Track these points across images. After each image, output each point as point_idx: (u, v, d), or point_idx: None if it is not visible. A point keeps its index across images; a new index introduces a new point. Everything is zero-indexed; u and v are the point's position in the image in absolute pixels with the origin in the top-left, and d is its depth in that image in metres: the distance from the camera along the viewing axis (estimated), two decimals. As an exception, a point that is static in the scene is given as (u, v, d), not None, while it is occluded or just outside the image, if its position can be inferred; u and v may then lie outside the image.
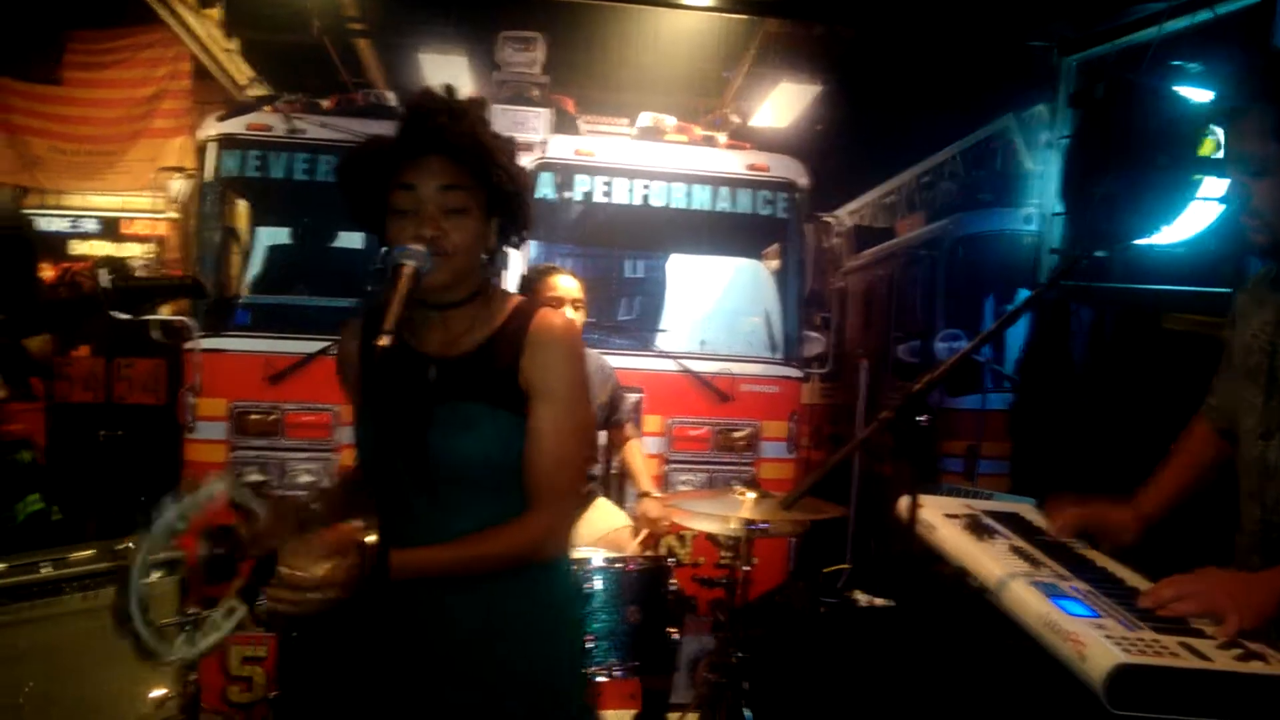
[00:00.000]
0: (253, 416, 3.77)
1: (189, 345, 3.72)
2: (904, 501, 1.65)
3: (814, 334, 4.31)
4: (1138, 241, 3.23)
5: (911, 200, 6.83)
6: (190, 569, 3.42)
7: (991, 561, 1.62)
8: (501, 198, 1.58)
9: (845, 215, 7.61)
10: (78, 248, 6.51)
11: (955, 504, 1.94)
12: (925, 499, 1.78)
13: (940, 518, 1.83)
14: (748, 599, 3.01)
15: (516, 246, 1.69)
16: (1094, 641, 1.29)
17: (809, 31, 5.80)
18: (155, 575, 3.31)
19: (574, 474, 1.60)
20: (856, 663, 2.99)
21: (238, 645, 3.66)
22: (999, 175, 5.66)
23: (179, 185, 3.97)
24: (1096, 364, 4.33)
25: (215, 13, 5.04)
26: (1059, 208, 3.67)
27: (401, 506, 1.51)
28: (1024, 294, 4.97)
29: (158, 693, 3.20)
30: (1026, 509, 1.99)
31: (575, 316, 3.19)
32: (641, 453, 3.65)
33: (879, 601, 3.23)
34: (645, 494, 3.45)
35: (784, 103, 6.83)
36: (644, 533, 3.39)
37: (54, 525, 4.36)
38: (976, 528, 1.79)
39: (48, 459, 4.70)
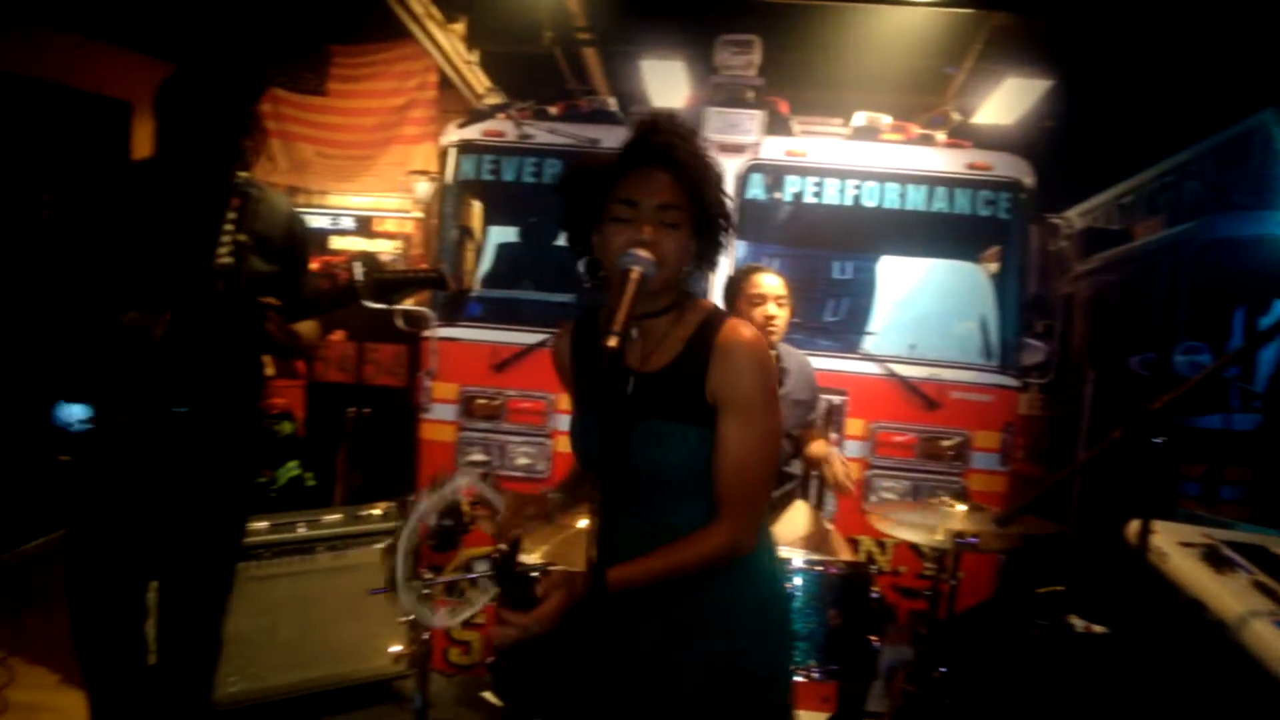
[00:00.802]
0: (479, 401, 4.06)
1: (427, 334, 4.07)
2: (1134, 526, 1.58)
3: (1035, 342, 4.10)
4: None
5: (1151, 201, 6.32)
6: (421, 538, 3.75)
7: (1230, 596, 1.53)
8: (706, 220, 1.67)
9: (1075, 217, 7.14)
10: (336, 243, 7.27)
11: (1191, 532, 1.84)
12: (1158, 525, 1.70)
13: (1174, 545, 1.75)
14: (952, 613, 2.94)
15: (709, 270, 1.76)
16: (1348, 691, 1.21)
17: (1039, 25, 5.49)
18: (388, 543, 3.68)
19: (758, 483, 1.67)
20: (1068, 690, 2.86)
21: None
22: (1254, 175, 5.12)
23: (423, 187, 4.31)
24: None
25: (459, 27, 5.44)
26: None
27: (618, 507, 1.60)
28: (1282, 306, 4.51)
29: (394, 648, 3.54)
30: (1273, 541, 1.85)
31: (779, 314, 3.23)
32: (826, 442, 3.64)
33: (1096, 628, 3.06)
34: (816, 439, 3.45)
35: (1010, 99, 6.50)
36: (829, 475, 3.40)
37: (307, 490, 4.90)
38: (1215, 559, 1.69)
39: (305, 431, 5.27)
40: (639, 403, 1.63)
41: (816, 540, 3.32)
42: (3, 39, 4.78)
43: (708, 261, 1.73)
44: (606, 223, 1.63)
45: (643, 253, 1.56)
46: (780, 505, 3.48)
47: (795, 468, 3.64)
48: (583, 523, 2.64)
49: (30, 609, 2.57)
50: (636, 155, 1.64)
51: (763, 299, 3.23)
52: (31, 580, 2.54)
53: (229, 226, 2.42)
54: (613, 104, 4.31)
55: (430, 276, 2.54)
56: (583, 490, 1.88)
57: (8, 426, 4.26)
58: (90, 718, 2.53)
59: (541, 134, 4.13)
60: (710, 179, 1.66)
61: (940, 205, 4.10)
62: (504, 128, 4.17)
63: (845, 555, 3.39)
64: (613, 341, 1.39)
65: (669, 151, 1.62)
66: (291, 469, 4.84)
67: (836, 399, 3.92)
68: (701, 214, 1.65)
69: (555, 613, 1.52)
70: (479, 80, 5.75)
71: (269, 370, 4.52)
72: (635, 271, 1.54)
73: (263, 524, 3.51)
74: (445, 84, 6.09)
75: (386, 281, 2.44)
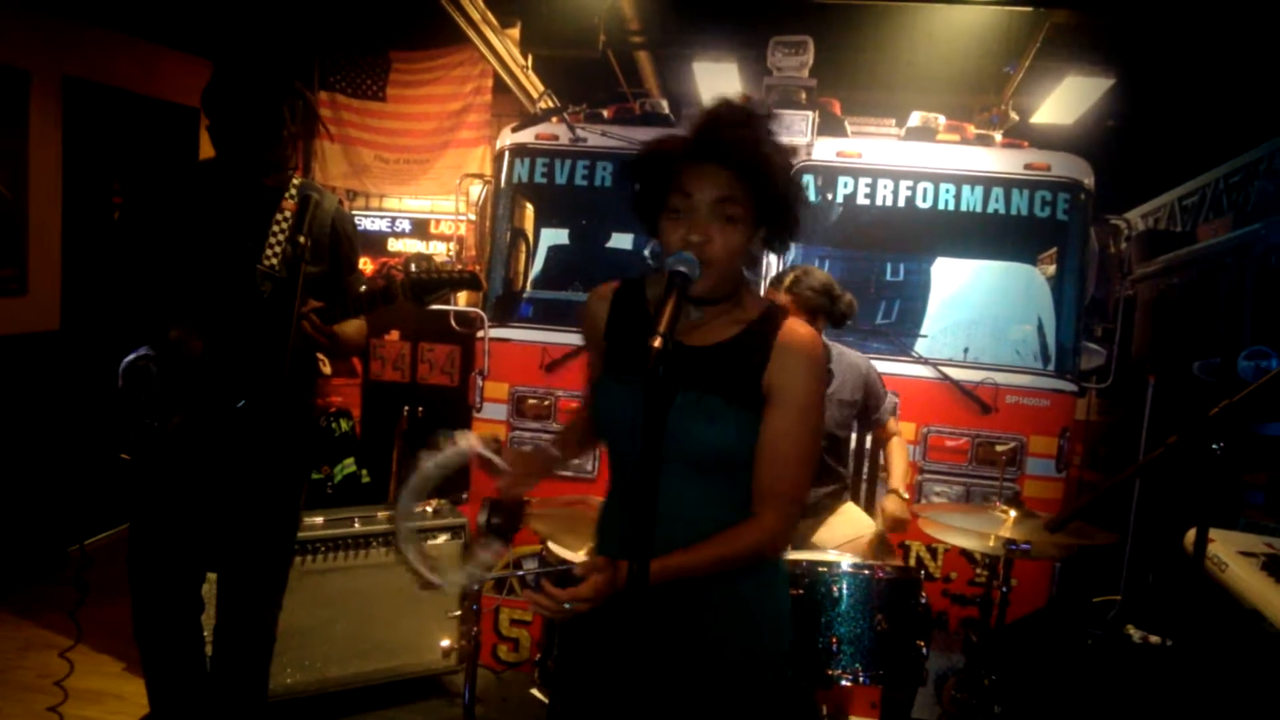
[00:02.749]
0: (530, 401, 4.10)
1: (479, 334, 4.13)
2: (1192, 534, 1.55)
3: (1094, 346, 4.01)
4: None
5: (1217, 202, 6.15)
6: (471, 535, 3.81)
7: (1292, 607, 1.49)
8: (772, 209, 1.64)
9: (1136, 218, 6.97)
10: (393, 245, 7.45)
11: (1253, 541, 1.79)
12: (1217, 533, 1.66)
13: (1234, 555, 1.70)
14: (1004, 621, 2.90)
15: (780, 253, 1.75)
16: None
17: (1100, 21, 5.36)
18: (441, 539, 3.74)
19: (802, 480, 1.66)
20: (1124, 701, 2.80)
21: (507, 608, 4.02)
22: (1326, 175, 4.96)
23: (478, 190, 4.37)
24: None
25: (514, 32, 5.51)
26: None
27: (633, 479, 1.59)
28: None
29: (445, 643, 3.60)
30: (1341, 554, 1.79)
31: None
32: (904, 451, 3.60)
33: (1153, 639, 2.99)
34: (893, 490, 3.43)
35: (1070, 97, 6.37)
36: (879, 527, 3.36)
37: (363, 487, 5.00)
38: (1276, 568, 1.64)
39: (362, 429, 5.37)
40: (688, 374, 1.60)
41: (859, 546, 3.30)
42: (77, 46, 4.95)
43: (779, 244, 1.70)
44: (665, 213, 1.64)
45: (687, 253, 1.56)
46: (828, 507, 3.46)
47: (844, 468, 3.61)
48: (587, 501, 2.66)
49: (95, 600, 2.67)
50: (698, 149, 1.62)
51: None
52: (96, 572, 2.63)
53: (278, 229, 2.46)
54: (665, 106, 4.32)
55: (465, 278, 2.59)
56: (578, 444, 1.93)
57: (73, 424, 4.41)
58: (150, 705, 2.62)
59: (594, 137, 4.15)
60: (776, 168, 1.62)
61: (996, 206, 4.03)
62: (557, 131, 4.21)
63: (894, 559, 3.37)
64: (657, 342, 1.37)
65: (730, 148, 1.59)
66: (348, 466, 4.93)
67: (894, 398, 3.89)
68: (766, 203, 1.63)
69: (594, 594, 1.51)
70: (533, 84, 5.80)
71: (325, 369, 4.60)
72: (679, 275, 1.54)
73: (319, 519, 3.59)
74: (500, 88, 6.18)
75: (423, 282, 2.51)
